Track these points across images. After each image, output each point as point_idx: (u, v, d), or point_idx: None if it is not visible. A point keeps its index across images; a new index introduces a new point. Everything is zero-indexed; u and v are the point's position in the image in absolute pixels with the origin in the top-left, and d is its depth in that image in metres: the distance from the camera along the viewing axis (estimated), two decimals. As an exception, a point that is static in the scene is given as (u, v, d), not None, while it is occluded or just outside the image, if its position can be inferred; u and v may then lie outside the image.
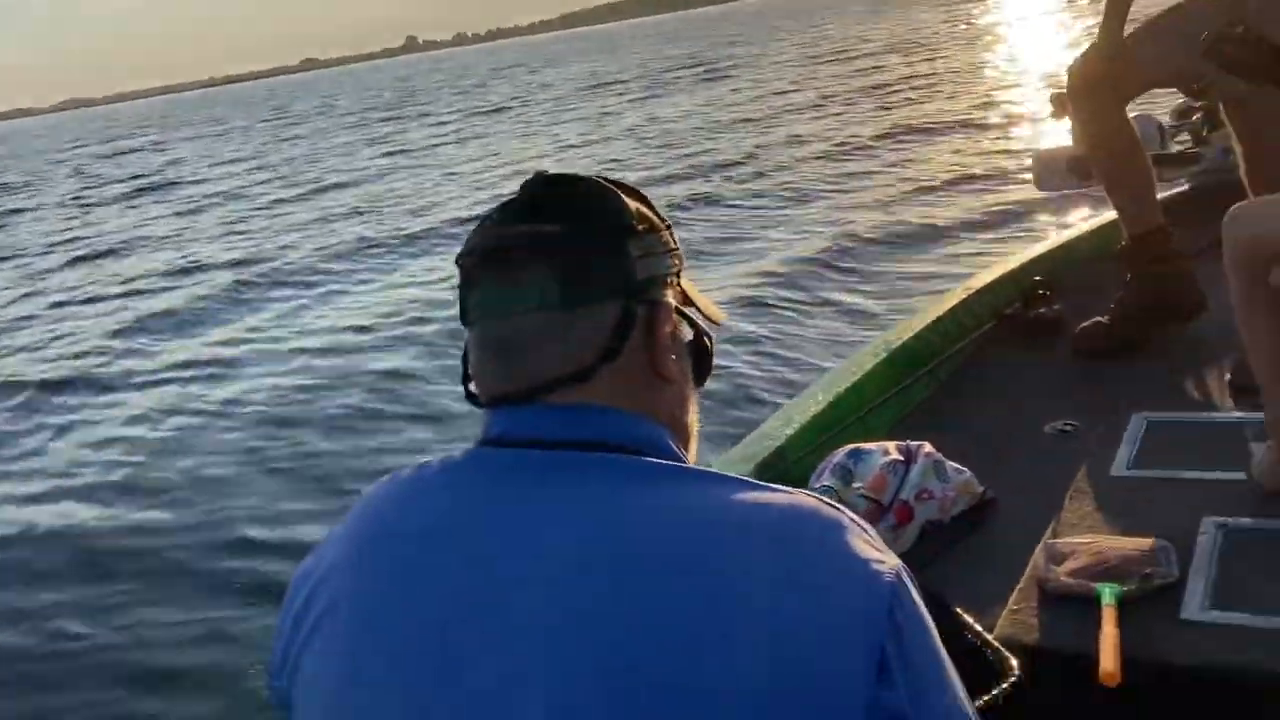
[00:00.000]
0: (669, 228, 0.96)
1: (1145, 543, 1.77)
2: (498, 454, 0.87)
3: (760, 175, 11.71)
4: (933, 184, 9.43)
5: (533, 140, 20.86)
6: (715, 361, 1.02)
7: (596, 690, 0.75)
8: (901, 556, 1.91)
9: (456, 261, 0.92)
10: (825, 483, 2.03)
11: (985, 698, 1.44)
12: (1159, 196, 2.78)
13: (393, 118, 34.92)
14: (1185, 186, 3.68)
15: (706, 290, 1.06)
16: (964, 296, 2.95)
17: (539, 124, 24.36)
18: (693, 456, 0.97)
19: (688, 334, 0.97)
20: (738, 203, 10.31)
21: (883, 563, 0.81)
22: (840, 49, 32.88)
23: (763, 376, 5.14)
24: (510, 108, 30.96)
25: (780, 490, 0.84)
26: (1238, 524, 1.81)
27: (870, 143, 12.80)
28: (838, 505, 0.85)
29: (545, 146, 19.21)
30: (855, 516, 0.85)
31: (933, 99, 16.08)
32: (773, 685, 0.74)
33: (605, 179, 0.95)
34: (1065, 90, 2.75)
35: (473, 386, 0.92)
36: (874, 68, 23.71)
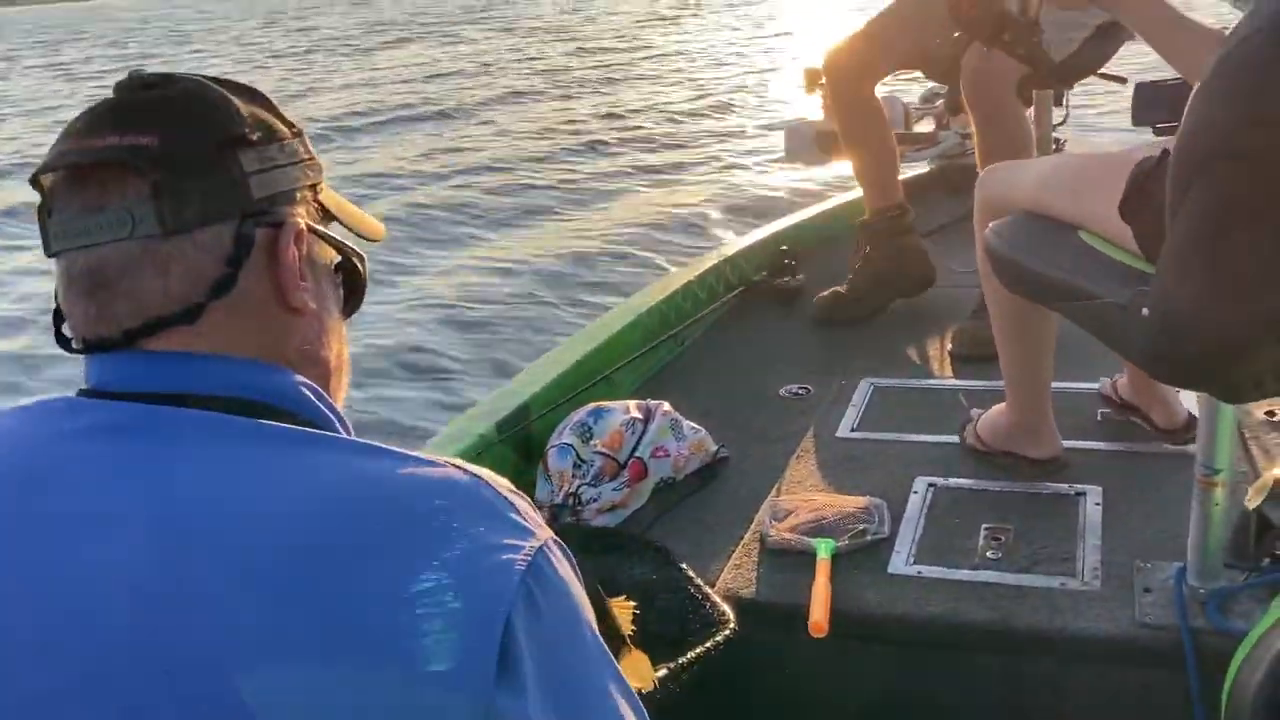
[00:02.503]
0: (299, 135, 0.83)
1: (861, 501, 1.84)
2: (92, 408, 0.73)
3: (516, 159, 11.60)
4: (684, 160, 9.60)
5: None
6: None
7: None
8: (634, 513, 1.95)
9: (32, 180, 0.78)
10: (564, 440, 2.02)
11: (701, 647, 1.47)
12: (899, 178, 2.91)
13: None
14: (925, 168, 3.87)
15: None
16: (713, 263, 3.00)
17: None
18: (340, 394, 0.86)
19: (333, 257, 0.85)
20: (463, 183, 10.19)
21: (522, 541, 0.69)
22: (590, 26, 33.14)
23: (510, 342, 5.11)
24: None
25: (419, 461, 0.71)
26: (945, 484, 1.91)
27: (624, 123, 12.94)
28: (483, 474, 0.73)
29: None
30: (501, 486, 0.73)
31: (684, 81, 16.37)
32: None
33: (213, 78, 0.81)
34: (819, 67, 2.83)
35: (65, 329, 0.78)
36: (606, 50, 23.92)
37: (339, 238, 0.85)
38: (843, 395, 2.33)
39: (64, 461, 0.71)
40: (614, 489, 1.94)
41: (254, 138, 0.78)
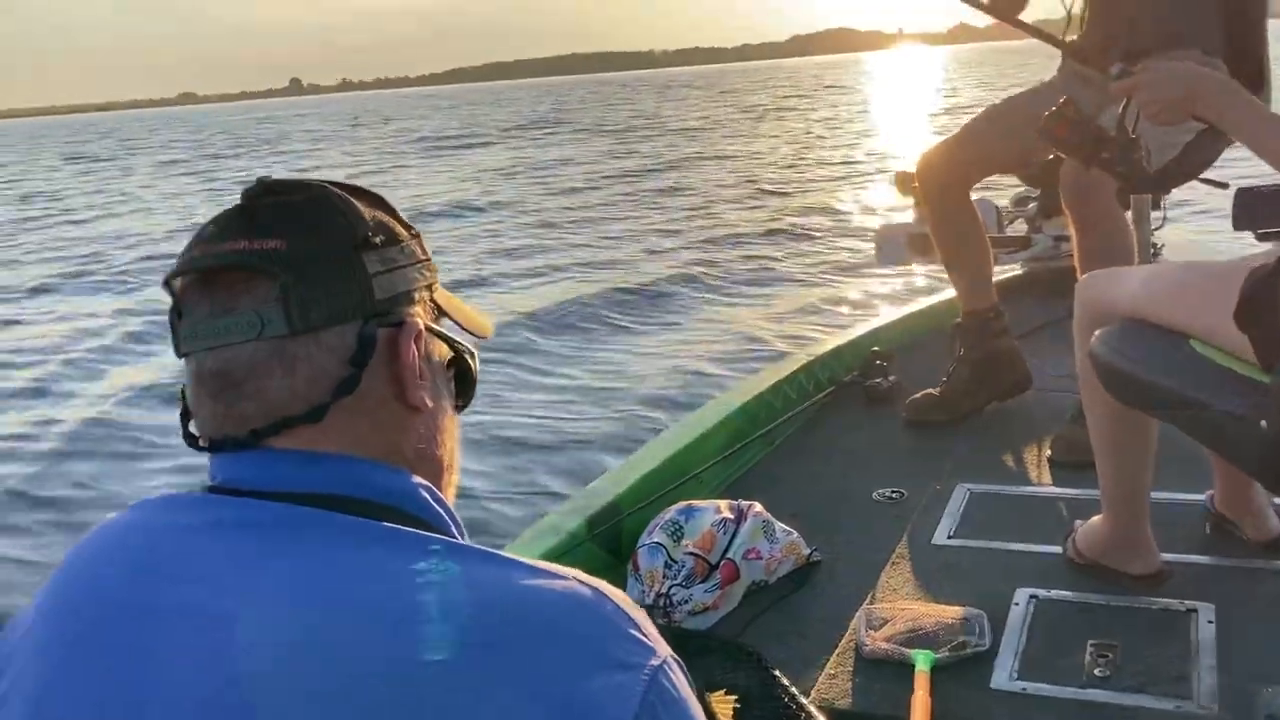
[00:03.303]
0: (416, 236, 0.85)
1: (960, 611, 1.79)
2: (218, 504, 0.75)
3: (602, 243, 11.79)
4: (777, 256, 9.65)
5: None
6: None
7: None
8: (726, 616, 1.92)
9: (164, 283, 0.80)
10: (655, 539, 2.01)
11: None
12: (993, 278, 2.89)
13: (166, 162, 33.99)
14: (1018, 270, 3.85)
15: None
16: (804, 363, 3.00)
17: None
18: (451, 490, 0.86)
19: (446, 354, 0.86)
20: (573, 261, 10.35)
21: (644, 659, 0.69)
22: (707, 120, 33.81)
23: (601, 433, 5.14)
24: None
25: (542, 573, 0.71)
26: (1049, 596, 1.85)
27: (717, 212, 13.10)
28: (603, 587, 0.73)
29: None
30: (622, 601, 0.73)
31: (789, 175, 16.56)
32: None
33: (337, 183, 0.83)
34: (911, 171, 2.85)
35: (192, 426, 0.80)
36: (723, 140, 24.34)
37: (453, 335, 0.86)
38: (938, 500, 2.28)
39: (186, 555, 0.72)
40: (706, 591, 1.92)
41: (377, 241, 0.79)
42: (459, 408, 0.88)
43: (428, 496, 0.79)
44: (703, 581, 1.94)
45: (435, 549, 0.71)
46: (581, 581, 0.72)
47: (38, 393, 7.07)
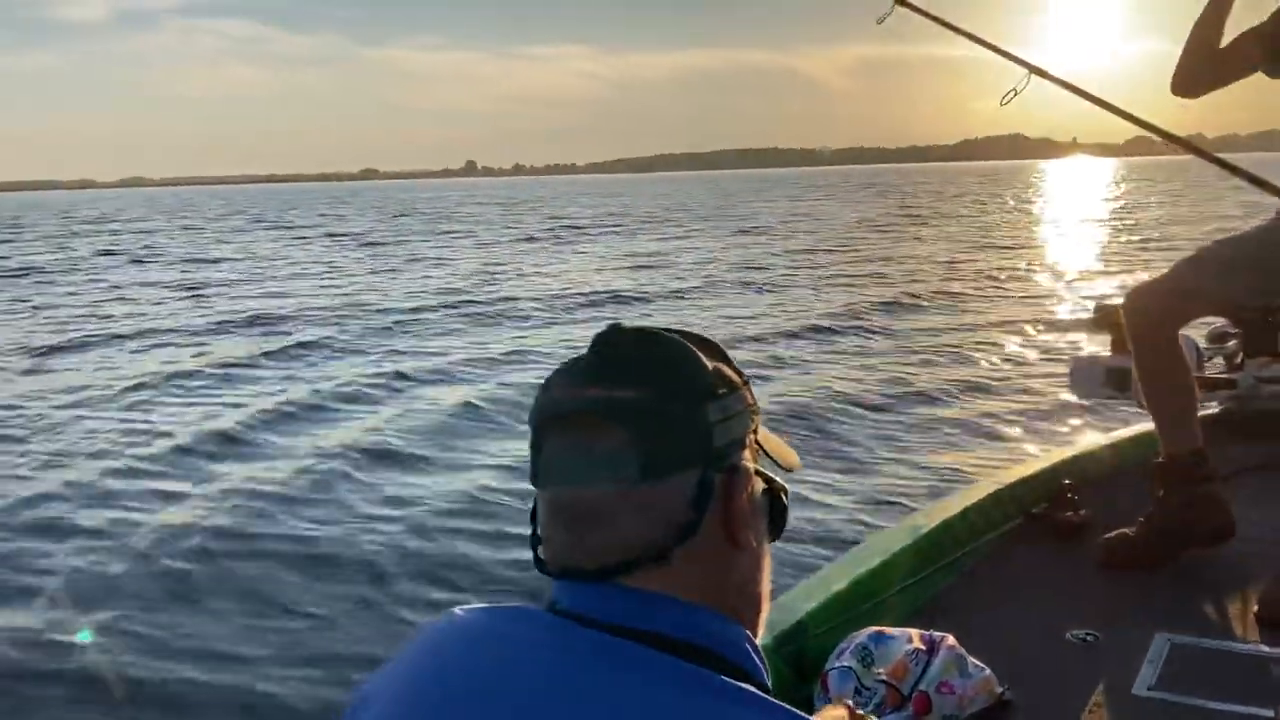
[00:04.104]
0: (746, 383, 0.90)
1: (1167, 770, 1.74)
2: (562, 629, 0.81)
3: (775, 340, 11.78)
4: (968, 377, 9.41)
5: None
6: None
7: None
8: (918, 751, 1.90)
9: (529, 421, 0.87)
10: (845, 663, 2.01)
11: None
12: None
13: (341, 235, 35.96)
14: (1216, 409, 3.72)
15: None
16: (992, 490, 2.96)
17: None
18: (762, 624, 0.91)
19: (761, 487, 0.91)
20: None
21: None
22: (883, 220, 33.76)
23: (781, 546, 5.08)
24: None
25: None
26: None
27: (900, 325, 12.94)
28: None
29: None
30: None
31: (980, 294, 16.17)
32: None
33: (681, 334, 0.89)
34: (1113, 305, 2.82)
35: (542, 551, 0.87)
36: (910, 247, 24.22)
37: (769, 474, 0.92)
38: (1136, 648, 2.22)
39: (535, 677, 0.78)
40: (898, 722, 1.91)
41: (720, 391, 0.85)
42: (771, 538, 0.93)
43: (750, 650, 0.84)
44: (895, 711, 1.93)
45: (765, 710, 0.77)
46: None
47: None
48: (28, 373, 11.07)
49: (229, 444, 7.56)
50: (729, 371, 0.89)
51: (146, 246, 32.51)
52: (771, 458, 0.93)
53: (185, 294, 18.63)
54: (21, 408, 8.98)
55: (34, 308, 17.19)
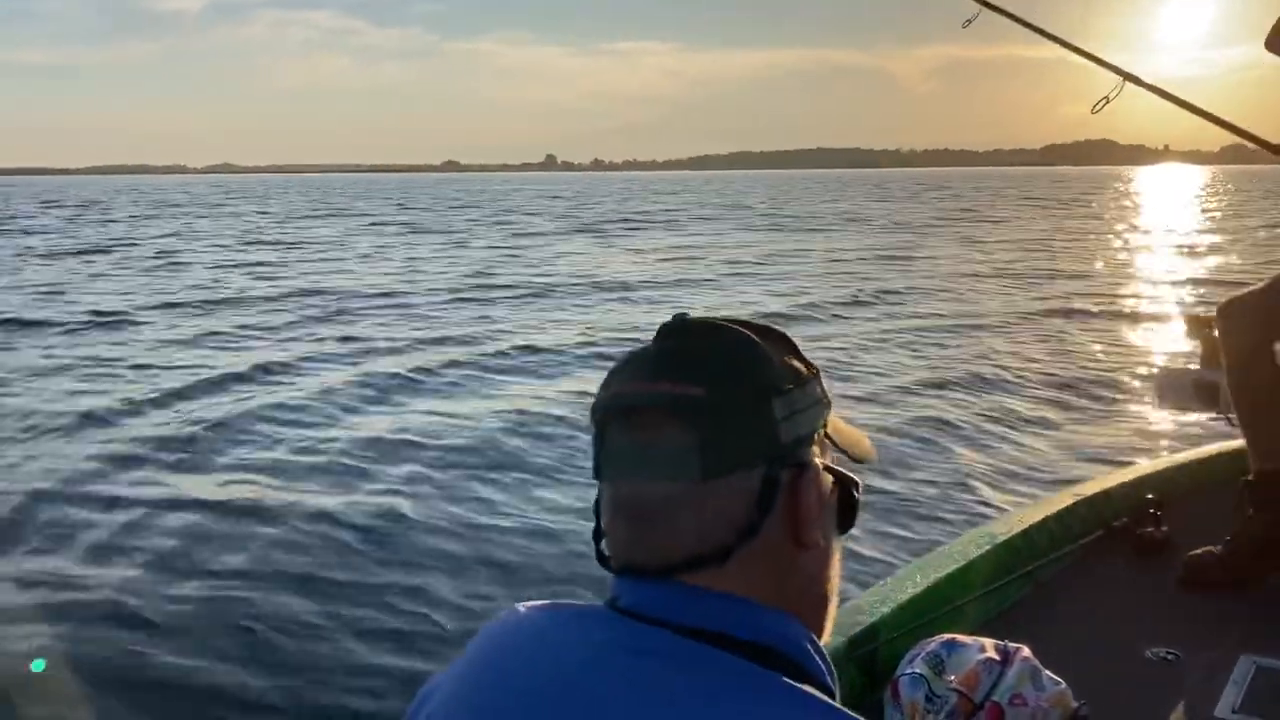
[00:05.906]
0: (817, 375, 0.86)
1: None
2: (624, 627, 0.80)
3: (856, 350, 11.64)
4: (1049, 381, 9.20)
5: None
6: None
7: None
8: (989, 761, 1.87)
9: (591, 414, 0.85)
10: (917, 669, 1.99)
11: None
12: None
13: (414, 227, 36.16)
14: None
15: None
16: (1071, 502, 2.90)
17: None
18: (829, 625, 0.88)
19: (831, 482, 0.86)
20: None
21: None
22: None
23: (851, 553, 5.06)
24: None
25: None
26: None
27: (990, 323, 12.70)
28: None
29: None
30: None
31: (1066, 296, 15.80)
32: None
33: (747, 325, 0.85)
34: (1206, 315, 2.75)
35: (604, 546, 0.85)
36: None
37: (840, 468, 0.88)
38: (1219, 669, 2.16)
39: (599, 677, 0.78)
40: (969, 732, 1.89)
41: (787, 387, 0.82)
42: (841, 530, 0.89)
43: (812, 650, 0.82)
44: (965, 720, 1.91)
45: (825, 714, 0.76)
46: None
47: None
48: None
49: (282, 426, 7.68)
50: (797, 364, 0.85)
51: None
52: (844, 450, 0.89)
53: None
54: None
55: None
